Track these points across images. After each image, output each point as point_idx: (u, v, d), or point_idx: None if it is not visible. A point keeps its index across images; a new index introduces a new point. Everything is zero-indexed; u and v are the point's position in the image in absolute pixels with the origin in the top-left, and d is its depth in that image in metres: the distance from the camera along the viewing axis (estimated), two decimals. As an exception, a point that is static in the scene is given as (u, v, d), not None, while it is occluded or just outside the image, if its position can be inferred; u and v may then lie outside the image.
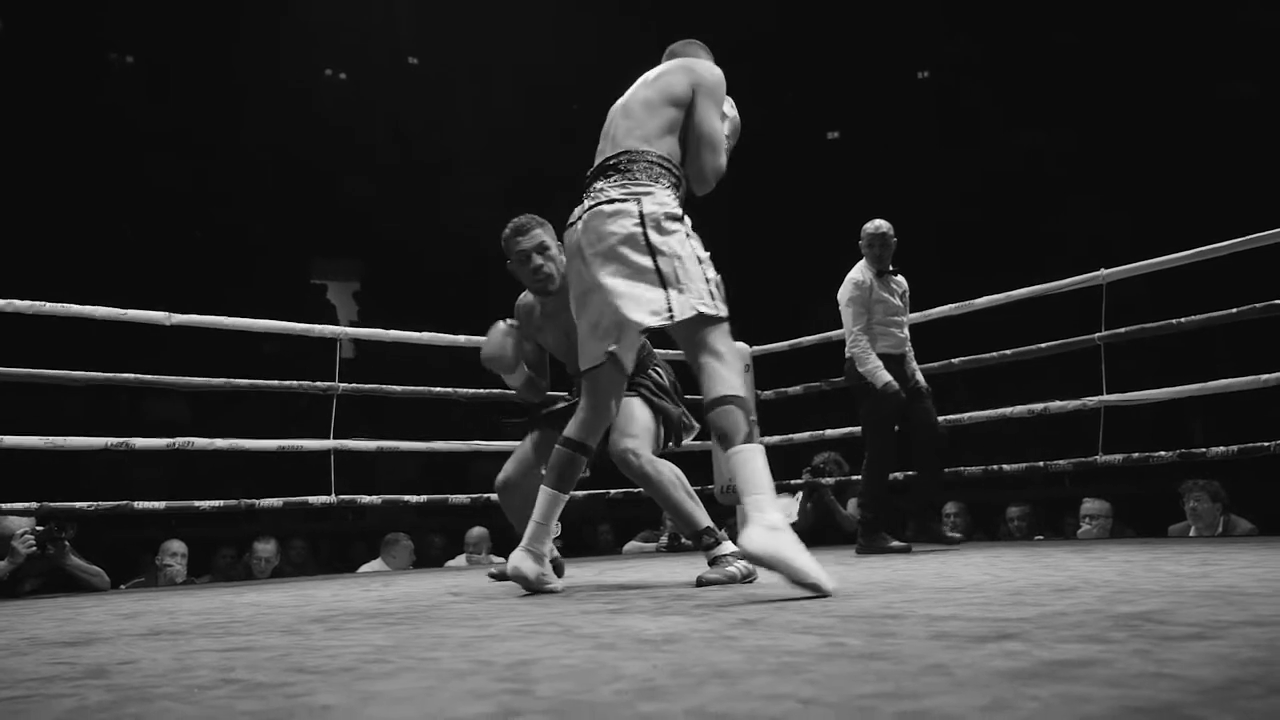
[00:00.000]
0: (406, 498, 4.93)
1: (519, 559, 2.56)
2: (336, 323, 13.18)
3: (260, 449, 4.48)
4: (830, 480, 5.40)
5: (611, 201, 2.35)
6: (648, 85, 2.53)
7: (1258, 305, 3.95)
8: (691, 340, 2.28)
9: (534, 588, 2.57)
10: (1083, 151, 12.25)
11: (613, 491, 5.41)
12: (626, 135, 2.46)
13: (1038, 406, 4.62)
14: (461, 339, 4.97)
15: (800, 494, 5.56)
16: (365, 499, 4.78)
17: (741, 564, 2.60)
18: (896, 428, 4.24)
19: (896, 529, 4.31)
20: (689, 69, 2.51)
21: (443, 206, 14.33)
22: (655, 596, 2.34)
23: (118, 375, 4.13)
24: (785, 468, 5.78)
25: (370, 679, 1.25)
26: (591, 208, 2.39)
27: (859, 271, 4.31)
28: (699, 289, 2.27)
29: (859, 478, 4.54)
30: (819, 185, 13.34)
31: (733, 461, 2.20)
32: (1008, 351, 4.80)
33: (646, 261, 2.28)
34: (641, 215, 2.30)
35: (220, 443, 4.32)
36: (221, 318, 4.40)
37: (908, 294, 4.40)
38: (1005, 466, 4.80)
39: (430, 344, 4.97)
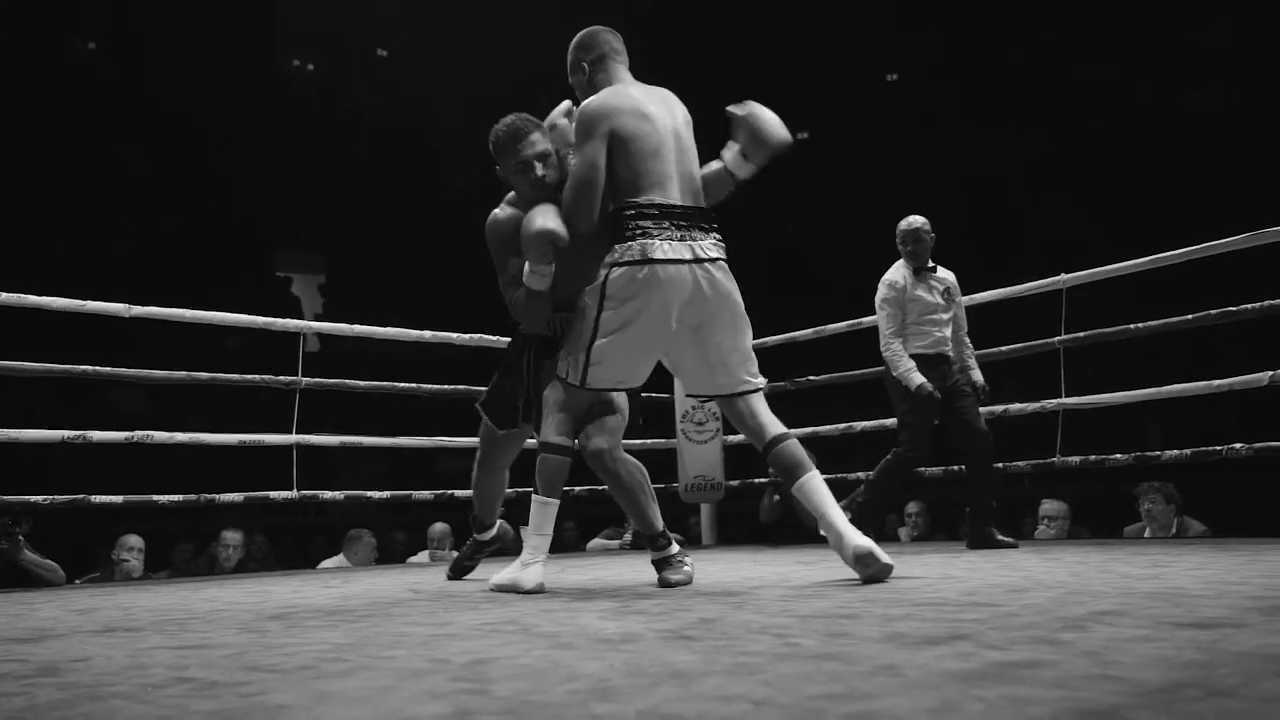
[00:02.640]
0: (369, 494, 4.90)
1: (533, 573, 2.49)
2: (301, 316, 13.06)
3: (221, 443, 4.44)
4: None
5: (725, 261, 2.48)
6: (687, 125, 2.58)
7: (1212, 312, 4.02)
8: (742, 401, 2.51)
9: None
10: (1051, 154, 12.38)
11: (577, 489, 5.41)
12: (696, 186, 2.53)
13: (998, 409, 4.67)
14: (427, 334, 4.95)
15: (767, 489, 5.60)
16: (327, 494, 4.75)
17: (690, 565, 2.71)
18: (934, 426, 4.13)
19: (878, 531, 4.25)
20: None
21: (410, 200, 14.24)
22: (616, 595, 2.35)
23: (75, 367, 4.07)
24: (750, 466, 5.81)
25: (327, 678, 1.25)
26: (721, 260, 2.46)
27: (895, 271, 4.17)
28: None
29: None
30: (789, 184, 13.41)
31: (811, 484, 2.41)
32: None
33: (748, 330, 2.50)
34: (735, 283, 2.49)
35: (180, 436, 4.27)
36: (182, 310, 4.34)
37: (955, 289, 4.23)
38: (964, 467, 4.85)
39: (395, 339, 4.94)
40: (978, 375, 4.20)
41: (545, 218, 2.52)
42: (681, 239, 2.40)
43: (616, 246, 2.41)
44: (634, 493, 2.77)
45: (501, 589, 2.55)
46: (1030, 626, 1.45)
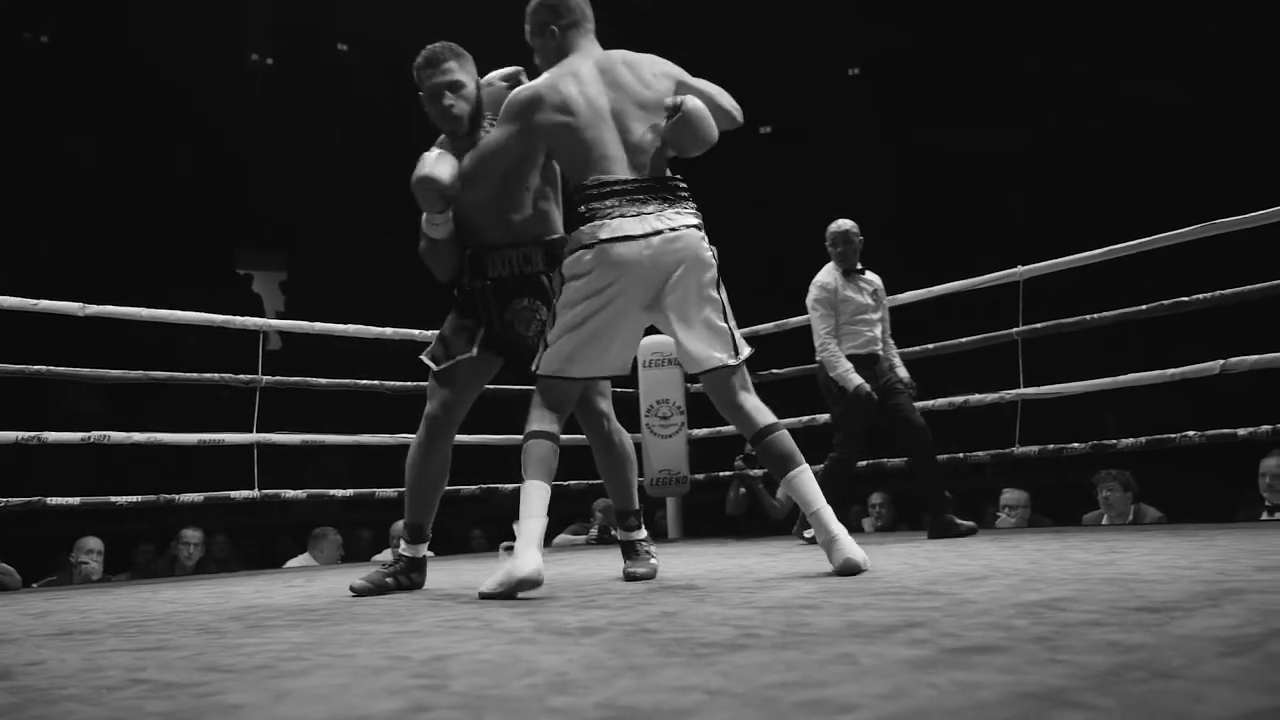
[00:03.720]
0: (332, 492, 4.87)
1: (528, 559, 2.19)
2: (262, 313, 12.93)
3: (179, 442, 4.39)
4: (759, 472, 5.46)
5: (700, 229, 2.36)
6: (646, 88, 2.43)
7: (1165, 302, 4.09)
8: (727, 379, 2.39)
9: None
10: (1016, 147, 12.51)
11: (542, 484, 5.40)
12: (651, 155, 2.41)
13: (958, 399, 4.73)
14: (389, 331, 4.92)
15: (733, 482, 5.62)
16: (290, 493, 4.71)
17: (655, 559, 2.68)
18: (868, 428, 4.22)
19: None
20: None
21: (372, 196, 14.13)
22: (580, 590, 2.35)
23: (28, 367, 4.01)
24: (715, 459, 5.83)
25: (284, 677, 1.24)
26: (689, 228, 2.34)
27: (825, 273, 4.26)
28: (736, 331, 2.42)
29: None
30: (750, 179, 13.45)
31: (802, 478, 2.35)
32: (930, 345, 4.90)
33: (720, 299, 2.39)
34: (711, 251, 2.38)
35: (138, 436, 4.22)
36: (138, 309, 4.28)
37: (881, 291, 4.34)
38: (910, 463, 4.90)
39: (357, 336, 4.90)
40: (904, 372, 4.31)
41: (434, 165, 2.44)
42: (637, 215, 2.30)
43: (573, 234, 2.37)
44: (622, 464, 2.70)
45: (495, 593, 2.21)
46: (985, 613, 1.47)
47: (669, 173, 2.43)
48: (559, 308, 2.36)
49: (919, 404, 4.82)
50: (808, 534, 4.04)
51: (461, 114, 2.60)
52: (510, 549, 2.41)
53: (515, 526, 2.28)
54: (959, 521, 4.04)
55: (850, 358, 4.13)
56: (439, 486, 2.69)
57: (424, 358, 2.67)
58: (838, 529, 2.31)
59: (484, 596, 2.22)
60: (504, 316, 2.61)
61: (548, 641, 1.43)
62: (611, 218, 2.30)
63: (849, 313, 4.19)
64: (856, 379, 4.08)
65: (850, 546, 2.29)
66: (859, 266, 4.27)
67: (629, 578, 2.56)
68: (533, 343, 2.53)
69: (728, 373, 2.39)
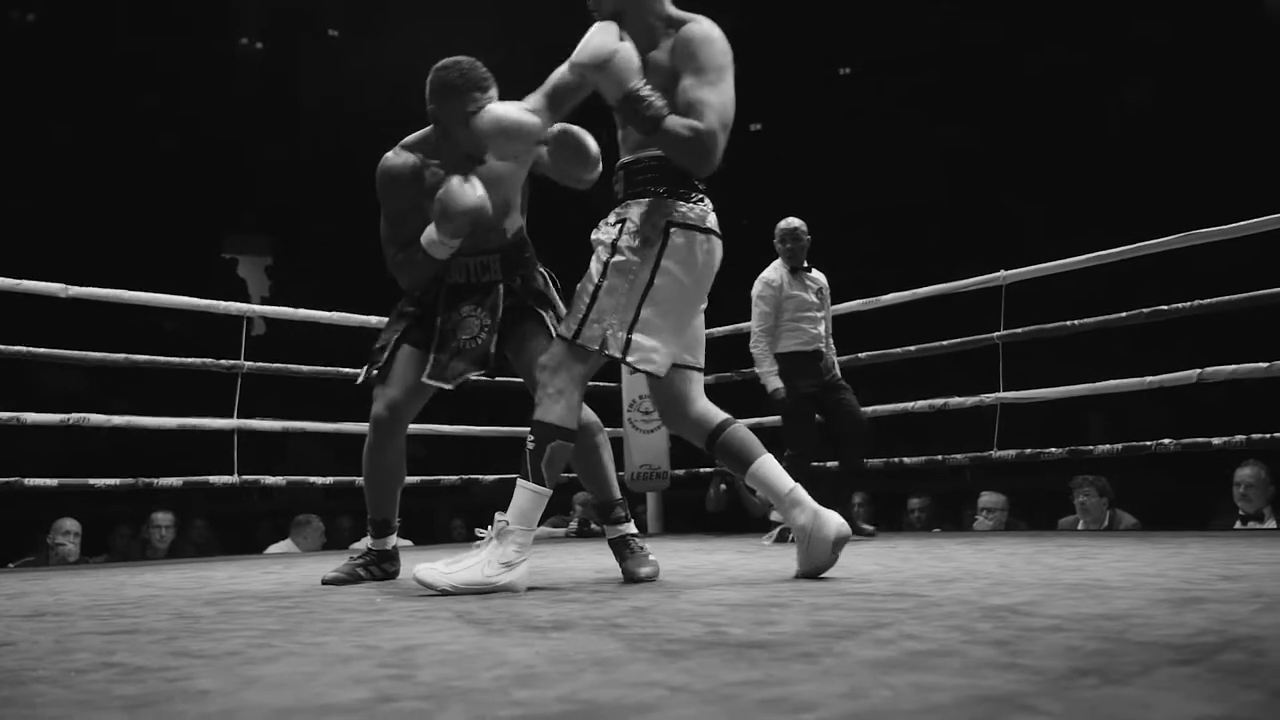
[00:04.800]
0: (313, 479, 4.87)
1: (521, 574, 2.10)
2: (247, 298, 12.90)
3: (159, 427, 4.38)
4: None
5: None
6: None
7: (1144, 310, 4.13)
8: (681, 381, 2.33)
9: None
10: (1002, 148, 12.55)
11: (523, 476, 5.41)
12: None
13: (938, 402, 4.76)
14: (373, 319, 4.91)
15: (713, 479, 5.65)
16: (270, 479, 4.70)
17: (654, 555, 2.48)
18: (816, 421, 4.30)
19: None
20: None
21: (359, 182, 14.11)
22: (555, 583, 2.37)
23: (9, 348, 3.99)
24: (696, 455, 5.85)
25: (254, 664, 1.25)
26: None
27: (771, 270, 4.36)
28: None
29: None
30: (741, 177, 13.47)
31: (768, 468, 2.26)
32: (911, 347, 4.93)
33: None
34: None
35: (117, 419, 4.21)
36: (120, 291, 4.27)
37: (826, 290, 4.43)
38: (906, 460, 4.93)
39: (340, 324, 4.90)
40: (837, 371, 4.43)
41: (480, 189, 2.35)
42: (711, 208, 2.24)
43: (679, 203, 2.16)
44: (590, 452, 2.54)
45: (460, 587, 2.07)
46: (950, 617, 1.49)
47: None
48: (658, 286, 2.12)
49: (885, 407, 4.87)
50: (766, 540, 4.09)
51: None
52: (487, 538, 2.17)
53: (499, 518, 2.11)
54: (862, 525, 4.28)
55: (794, 354, 4.25)
56: (398, 480, 2.65)
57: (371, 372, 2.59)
58: (814, 505, 2.21)
59: (446, 589, 2.06)
60: (448, 320, 2.54)
61: (517, 634, 1.45)
62: (706, 204, 2.22)
63: (793, 309, 4.28)
64: (776, 382, 4.24)
65: (835, 517, 2.20)
66: (805, 264, 4.38)
67: (630, 578, 2.35)
68: (471, 348, 2.49)
69: (692, 377, 2.35)
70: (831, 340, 4.47)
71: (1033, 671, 1.03)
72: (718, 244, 2.23)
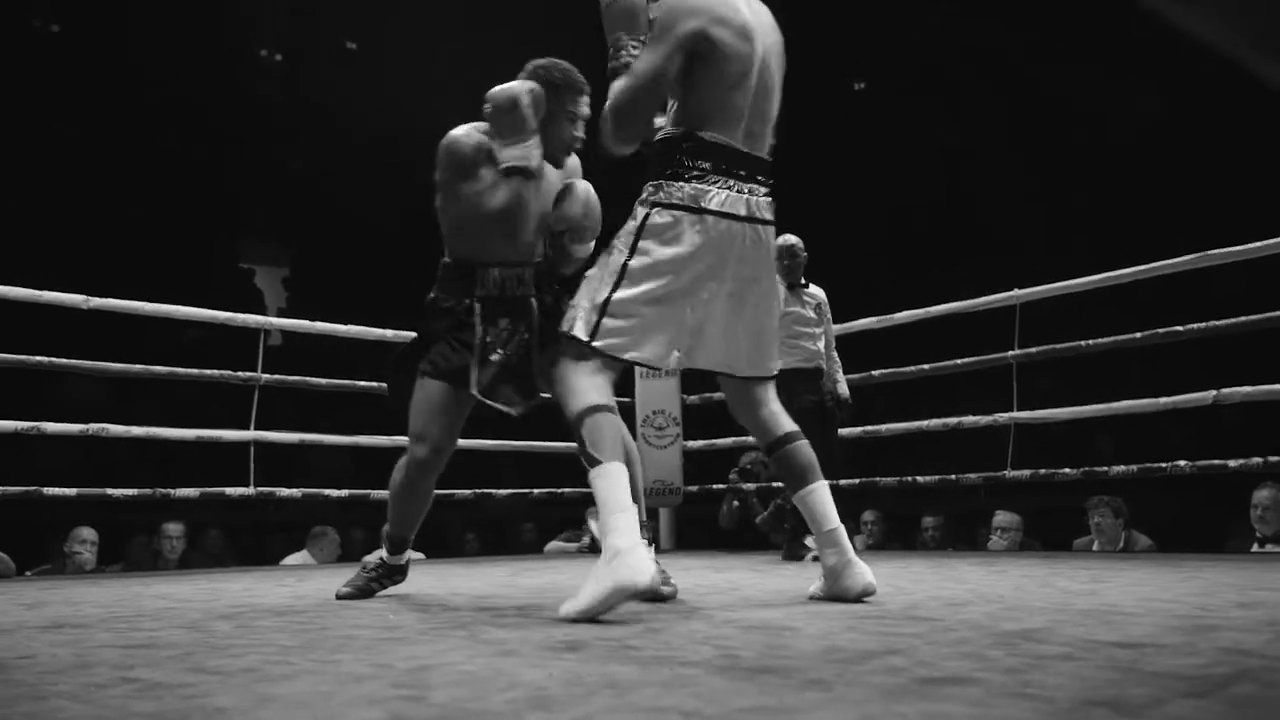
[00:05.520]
0: (327, 491, 4.89)
1: (642, 562, 1.83)
2: (264, 308, 12.97)
3: (178, 438, 4.42)
4: (752, 486, 5.48)
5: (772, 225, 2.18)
6: (779, 59, 2.20)
7: (1159, 331, 4.12)
8: (759, 386, 2.24)
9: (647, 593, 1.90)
10: (1015, 164, 12.53)
11: (536, 491, 5.43)
12: (767, 132, 2.19)
13: (951, 420, 4.75)
14: (389, 333, 4.95)
15: (726, 495, 5.65)
16: (285, 491, 4.73)
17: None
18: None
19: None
20: None
21: (377, 194, 14.18)
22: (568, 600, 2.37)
23: (30, 358, 4.03)
24: (706, 471, 5.86)
25: (270, 681, 1.26)
26: (769, 224, 2.16)
27: None
28: None
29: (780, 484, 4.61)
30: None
31: (821, 495, 2.19)
32: (925, 366, 4.92)
33: (778, 307, 2.23)
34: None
35: (136, 430, 4.24)
36: (141, 303, 4.32)
37: (825, 306, 4.44)
38: (919, 478, 4.92)
39: (357, 337, 4.93)
40: (844, 389, 4.44)
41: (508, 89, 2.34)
42: (739, 191, 2.07)
43: (664, 183, 2.06)
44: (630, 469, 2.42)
45: (595, 608, 1.84)
46: (962, 643, 1.50)
47: (770, 158, 2.19)
48: (631, 267, 2.03)
49: (899, 425, 4.86)
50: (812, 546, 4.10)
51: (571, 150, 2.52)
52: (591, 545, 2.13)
53: (592, 523, 2.05)
54: (808, 545, 4.24)
55: (793, 371, 4.16)
56: (425, 508, 2.63)
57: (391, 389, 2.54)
58: (853, 554, 2.16)
59: (577, 618, 1.84)
60: (484, 339, 2.45)
61: (531, 654, 1.46)
62: (720, 187, 2.06)
63: (788, 325, 4.27)
64: None
65: (867, 571, 2.14)
66: (803, 280, 4.39)
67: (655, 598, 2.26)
68: (512, 367, 2.44)
69: (760, 381, 2.24)
70: (835, 355, 4.48)
71: (1044, 701, 1.03)
72: (724, 225, 2.05)
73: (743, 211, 2.08)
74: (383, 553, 2.70)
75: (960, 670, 1.24)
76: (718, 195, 2.06)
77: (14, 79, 12.12)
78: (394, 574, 2.68)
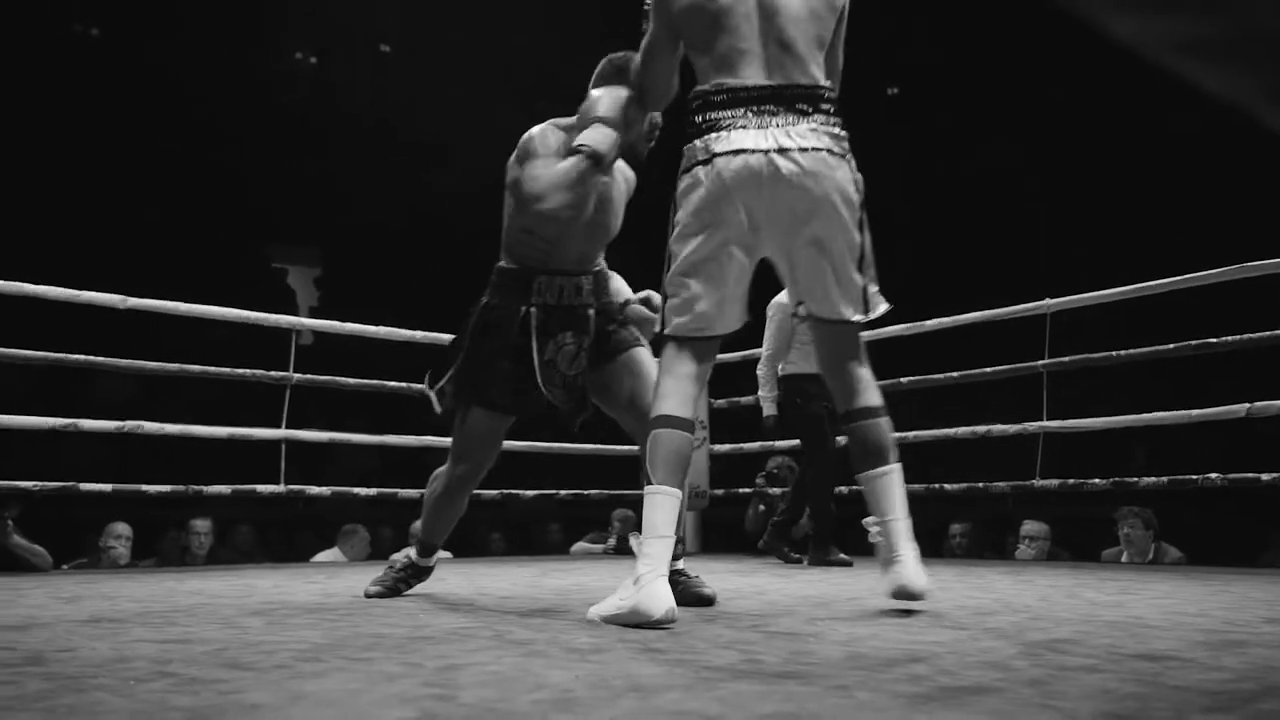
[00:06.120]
0: (357, 490, 4.95)
1: (660, 593, 1.83)
2: (296, 308, 13.11)
3: (210, 435, 4.48)
4: (780, 491, 5.48)
5: (832, 154, 1.96)
6: None
7: (1191, 343, 4.08)
8: (841, 338, 2.07)
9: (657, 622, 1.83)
10: (1048, 169, 12.44)
11: (562, 492, 5.46)
12: (808, 53, 2.00)
13: (981, 428, 4.73)
14: (419, 334, 4.99)
15: (752, 499, 5.65)
16: (315, 490, 4.79)
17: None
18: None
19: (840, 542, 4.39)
20: None
21: (409, 195, 14.29)
22: (594, 603, 2.38)
23: (67, 356, 4.11)
24: (735, 475, 5.86)
25: (302, 678, 1.29)
26: (825, 151, 1.95)
27: (784, 293, 4.31)
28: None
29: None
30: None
31: (888, 480, 2.04)
32: (955, 374, 4.90)
33: (859, 242, 2.00)
34: (856, 183, 2.00)
35: (170, 428, 4.31)
36: (177, 303, 4.39)
37: None
38: (947, 485, 4.90)
39: (386, 339, 4.98)
40: None
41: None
42: (761, 125, 1.93)
43: (684, 150, 2.02)
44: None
45: (615, 620, 1.88)
46: (986, 652, 1.50)
47: (819, 81, 2.01)
48: (672, 244, 2.01)
49: (926, 433, 4.85)
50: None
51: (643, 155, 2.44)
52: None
53: (634, 542, 2.03)
54: (791, 554, 4.38)
55: (803, 377, 4.26)
56: (458, 518, 2.65)
57: (435, 394, 2.47)
58: (906, 550, 2.02)
59: (605, 620, 1.91)
60: (544, 354, 2.37)
61: (557, 656, 1.48)
62: (733, 128, 1.95)
63: (803, 332, 4.26)
64: (771, 409, 4.41)
65: (912, 573, 2.00)
66: None
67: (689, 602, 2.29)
68: (572, 382, 2.40)
69: (847, 329, 2.06)
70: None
71: (1064, 714, 1.04)
72: (737, 161, 1.92)
73: (754, 144, 1.92)
74: (411, 552, 2.73)
75: (983, 680, 1.25)
76: (726, 136, 1.95)
77: (55, 83, 12.33)
78: (421, 574, 2.71)
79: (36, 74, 12.29)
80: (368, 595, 2.59)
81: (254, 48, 13.66)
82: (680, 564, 2.38)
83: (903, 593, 2.01)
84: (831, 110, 2.00)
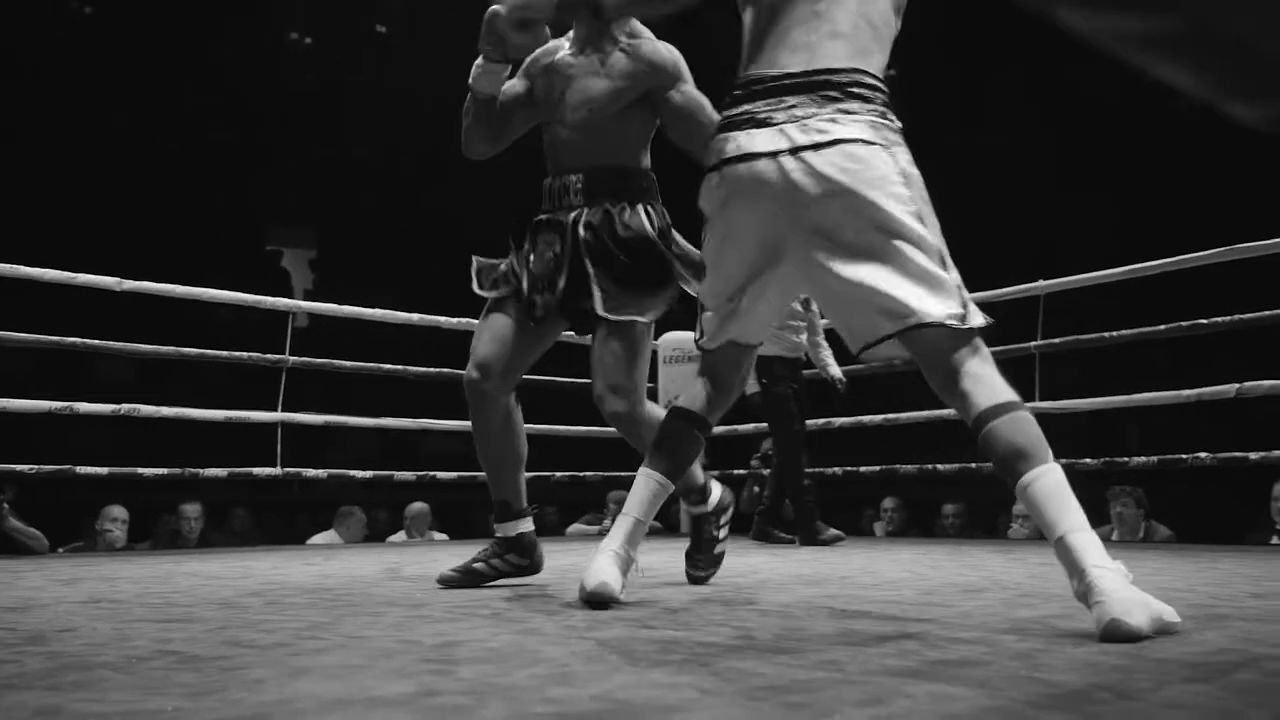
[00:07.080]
0: (353, 473, 4.97)
1: (606, 569, 1.82)
2: (291, 290, 13.11)
3: (207, 418, 4.49)
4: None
5: (867, 144, 1.64)
6: None
7: (1183, 324, 4.11)
8: (941, 345, 1.64)
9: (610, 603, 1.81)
10: (1048, 153, 12.45)
11: (559, 474, 5.48)
12: (837, 35, 1.70)
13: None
14: (415, 317, 5.01)
15: (747, 480, 5.69)
16: (311, 472, 4.81)
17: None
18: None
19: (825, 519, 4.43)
20: None
21: (404, 177, 14.27)
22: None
23: (64, 339, 4.12)
24: (731, 455, 5.89)
25: (303, 655, 1.31)
26: (856, 141, 1.63)
27: None
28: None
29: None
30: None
31: (1039, 487, 1.55)
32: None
33: (921, 234, 1.64)
34: (904, 174, 1.66)
35: (166, 410, 4.32)
36: (173, 285, 4.40)
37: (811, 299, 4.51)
38: (939, 466, 4.94)
39: (382, 321, 4.99)
40: (835, 370, 4.66)
41: None
42: (768, 122, 1.67)
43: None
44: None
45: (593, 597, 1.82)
46: (975, 628, 1.53)
47: (853, 65, 1.69)
48: (704, 253, 1.88)
49: (920, 414, 4.88)
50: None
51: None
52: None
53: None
54: (780, 535, 4.51)
55: (777, 359, 4.37)
56: (509, 456, 2.33)
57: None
58: (1097, 575, 1.41)
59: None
60: (529, 252, 2.29)
61: (554, 632, 1.50)
62: (742, 130, 1.70)
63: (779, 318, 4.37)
64: (752, 386, 4.40)
65: (1115, 605, 1.37)
66: None
67: (695, 581, 2.43)
68: (541, 286, 2.23)
69: (945, 336, 1.62)
70: (824, 343, 4.66)
71: (1050, 685, 1.07)
72: (732, 170, 1.71)
73: (761, 148, 1.67)
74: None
75: (970, 654, 1.27)
76: (735, 139, 1.71)
77: (50, 62, 12.26)
78: (508, 550, 2.33)
79: (31, 53, 12.22)
80: (440, 582, 2.32)
81: (250, 29, 13.58)
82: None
83: (1114, 630, 1.36)
84: (869, 98, 1.69)
